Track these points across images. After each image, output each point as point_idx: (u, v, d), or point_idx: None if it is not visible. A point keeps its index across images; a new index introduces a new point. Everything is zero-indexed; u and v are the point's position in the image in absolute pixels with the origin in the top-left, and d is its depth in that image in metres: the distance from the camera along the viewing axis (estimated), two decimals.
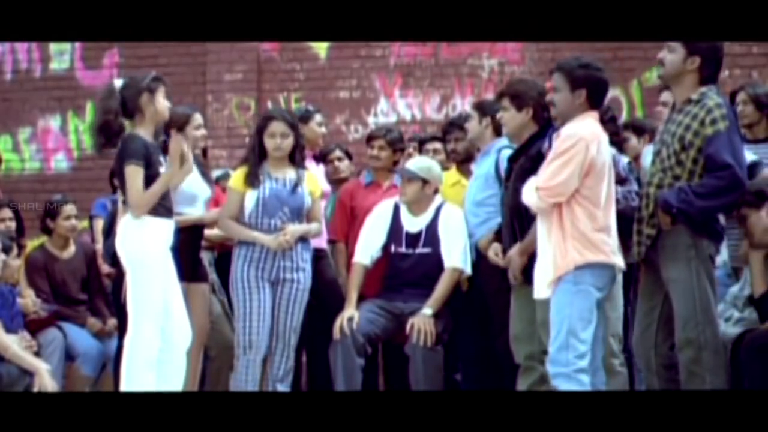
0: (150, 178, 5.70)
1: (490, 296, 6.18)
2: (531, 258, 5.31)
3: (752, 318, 5.63)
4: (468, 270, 6.41)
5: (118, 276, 6.33)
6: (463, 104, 9.11)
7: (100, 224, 7.67)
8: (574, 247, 4.97)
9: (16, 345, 6.19)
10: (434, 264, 6.47)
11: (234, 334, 6.41)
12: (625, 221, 5.37)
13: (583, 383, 4.97)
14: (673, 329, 5.25)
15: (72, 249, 7.37)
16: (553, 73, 5.21)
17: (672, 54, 5.30)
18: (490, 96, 8.33)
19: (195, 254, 6.50)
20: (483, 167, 6.28)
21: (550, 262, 5.03)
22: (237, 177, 6.37)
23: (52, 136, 10.02)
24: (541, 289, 5.11)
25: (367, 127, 9.02)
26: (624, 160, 5.97)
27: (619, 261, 5.10)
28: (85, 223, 8.07)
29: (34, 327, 6.83)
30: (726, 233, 5.57)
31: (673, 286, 5.23)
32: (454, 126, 6.94)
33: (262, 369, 6.26)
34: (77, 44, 9.90)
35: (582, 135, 5.01)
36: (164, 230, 5.77)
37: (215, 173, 7.36)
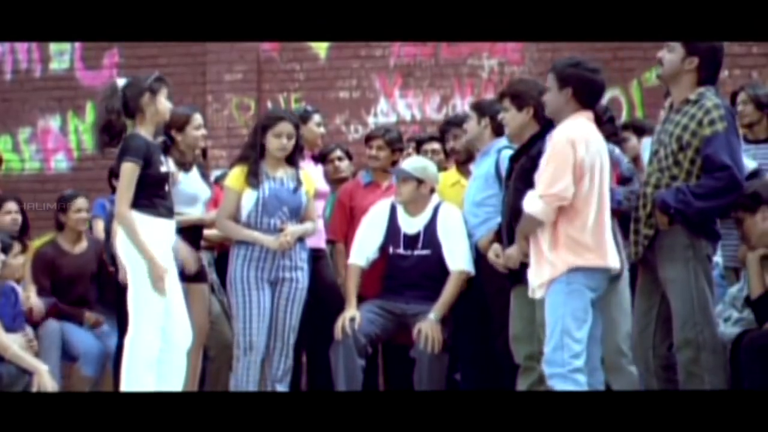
0: (149, 177, 5.70)
1: (490, 296, 6.18)
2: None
3: (751, 318, 5.63)
4: (472, 270, 6.39)
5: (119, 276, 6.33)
6: (462, 104, 9.11)
7: (100, 225, 7.68)
8: (565, 251, 4.97)
9: (16, 345, 6.19)
10: (434, 266, 6.46)
11: (233, 334, 6.41)
12: (629, 221, 5.38)
13: (580, 383, 4.97)
14: (671, 329, 5.25)
15: (84, 244, 7.34)
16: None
17: (671, 54, 5.30)
18: (490, 96, 8.34)
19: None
20: (482, 167, 6.27)
21: (542, 264, 5.04)
22: (235, 176, 6.33)
23: (51, 136, 10.02)
24: (535, 290, 5.13)
25: (366, 128, 9.01)
26: (625, 159, 5.98)
27: (613, 262, 5.07)
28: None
29: (33, 320, 6.84)
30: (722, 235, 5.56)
31: (670, 286, 5.23)
32: (451, 125, 6.94)
33: (261, 369, 6.27)
34: (77, 44, 9.90)
35: (568, 136, 5.00)
36: (164, 230, 5.77)
37: (215, 173, 7.37)
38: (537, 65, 9.04)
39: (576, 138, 4.99)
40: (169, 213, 5.81)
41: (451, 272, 6.40)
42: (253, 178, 6.25)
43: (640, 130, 7.00)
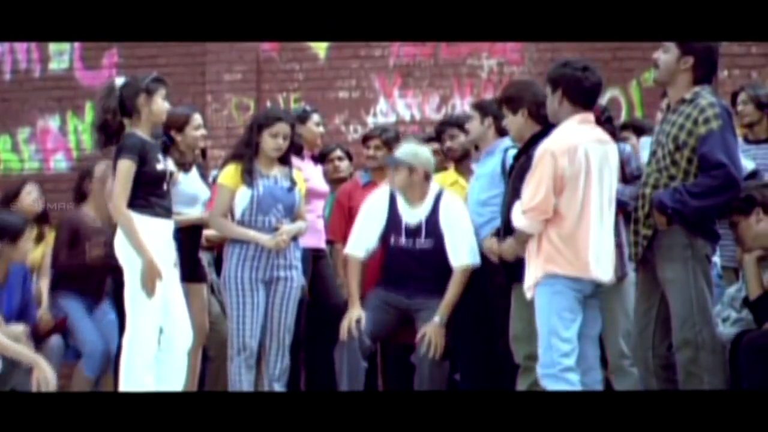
0: (146, 175, 5.70)
1: (493, 297, 6.17)
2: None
3: (750, 319, 5.63)
4: (477, 261, 6.29)
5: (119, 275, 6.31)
6: (462, 104, 9.11)
7: None
8: (544, 258, 5.08)
9: (22, 336, 6.11)
10: (437, 257, 6.35)
11: None
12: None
13: (571, 382, 4.99)
14: (670, 330, 5.25)
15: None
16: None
17: (666, 54, 5.31)
18: (489, 96, 8.34)
19: (194, 254, 6.50)
20: (487, 166, 6.25)
21: (530, 267, 5.15)
22: (229, 174, 6.31)
23: (51, 136, 10.01)
24: (526, 291, 5.22)
25: (366, 128, 8.99)
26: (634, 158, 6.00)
27: (595, 273, 5.09)
28: None
29: (40, 333, 6.75)
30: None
31: (669, 286, 5.23)
32: (447, 125, 6.94)
33: (257, 369, 6.26)
34: (76, 44, 9.89)
35: (549, 149, 5.08)
36: (164, 230, 5.77)
37: (214, 173, 7.36)
38: (536, 65, 9.03)
39: (557, 150, 5.06)
40: (166, 213, 5.80)
41: (454, 270, 6.31)
42: (248, 176, 6.24)
43: (640, 130, 7.00)
